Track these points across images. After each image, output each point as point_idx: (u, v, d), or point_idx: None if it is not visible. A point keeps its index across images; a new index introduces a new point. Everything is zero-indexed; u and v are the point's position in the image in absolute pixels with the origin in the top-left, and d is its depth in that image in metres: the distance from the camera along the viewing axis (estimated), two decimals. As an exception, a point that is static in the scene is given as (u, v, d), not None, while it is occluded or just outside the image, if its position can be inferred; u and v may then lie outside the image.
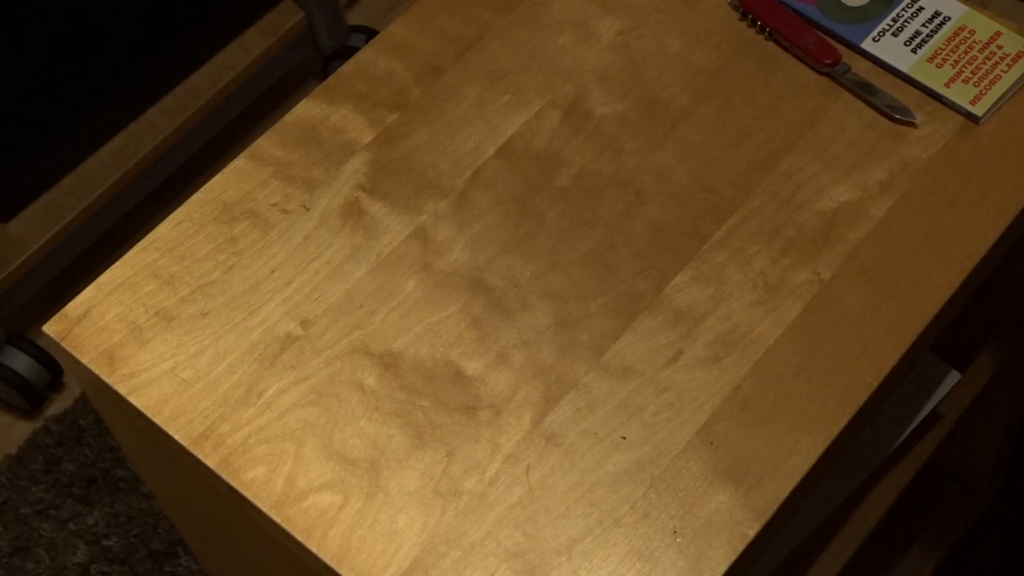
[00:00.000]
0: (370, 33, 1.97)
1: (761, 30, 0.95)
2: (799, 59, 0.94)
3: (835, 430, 0.77)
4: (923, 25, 0.94)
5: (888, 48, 0.93)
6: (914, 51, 0.92)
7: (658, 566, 0.73)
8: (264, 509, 0.77)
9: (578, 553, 0.74)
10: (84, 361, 0.84)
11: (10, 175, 1.67)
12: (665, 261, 0.85)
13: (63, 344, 0.85)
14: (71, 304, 0.87)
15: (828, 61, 0.92)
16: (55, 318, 0.86)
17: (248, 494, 0.77)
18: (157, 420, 0.81)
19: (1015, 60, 0.91)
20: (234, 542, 0.94)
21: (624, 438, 0.78)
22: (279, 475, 0.78)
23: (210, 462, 0.79)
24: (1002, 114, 0.89)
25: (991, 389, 1.24)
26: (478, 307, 0.84)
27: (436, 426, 0.79)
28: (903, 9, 0.94)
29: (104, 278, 0.88)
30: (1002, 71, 0.91)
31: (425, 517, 0.76)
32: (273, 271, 0.87)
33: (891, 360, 0.79)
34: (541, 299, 0.84)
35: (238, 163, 0.92)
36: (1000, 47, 0.92)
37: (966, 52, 0.92)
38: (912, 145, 0.89)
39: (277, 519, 0.76)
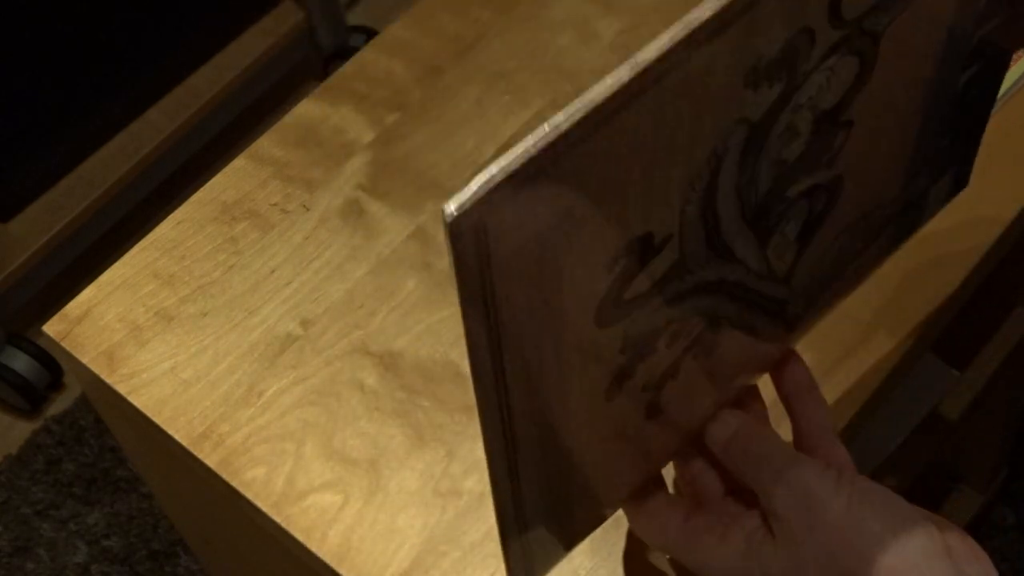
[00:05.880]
0: (370, 33, 1.97)
1: (761, 30, 0.95)
2: (799, 59, 0.93)
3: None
4: (923, 25, 0.94)
5: (888, 48, 0.93)
6: (914, 51, 0.92)
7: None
8: (264, 509, 0.77)
9: (579, 551, 0.74)
10: (84, 361, 0.84)
11: (10, 175, 1.67)
12: (665, 261, 0.85)
13: (63, 344, 0.85)
14: (71, 304, 0.87)
15: (828, 61, 0.92)
16: (55, 318, 0.86)
17: (248, 494, 0.77)
18: (157, 420, 0.81)
19: (1015, 60, 0.91)
20: (234, 542, 0.94)
21: (624, 438, 0.78)
22: (279, 475, 0.78)
23: (210, 462, 0.79)
24: (1002, 114, 0.89)
25: (991, 389, 1.24)
26: (478, 307, 0.84)
27: (436, 426, 0.79)
28: (903, 9, 0.94)
29: (104, 278, 0.88)
30: (1002, 71, 0.91)
31: (425, 517, 0.76)
32: (273, 271, 0.87)
33: (891, 360, 0.79)
34: (541, 299, 0.84)
35: (238, 163, 0.92)
36: (1000, 47, 0.92)
37: (966, 52, 0.92)
38: (912, 145, 0.88)
39: (277, 519, 0.76)
